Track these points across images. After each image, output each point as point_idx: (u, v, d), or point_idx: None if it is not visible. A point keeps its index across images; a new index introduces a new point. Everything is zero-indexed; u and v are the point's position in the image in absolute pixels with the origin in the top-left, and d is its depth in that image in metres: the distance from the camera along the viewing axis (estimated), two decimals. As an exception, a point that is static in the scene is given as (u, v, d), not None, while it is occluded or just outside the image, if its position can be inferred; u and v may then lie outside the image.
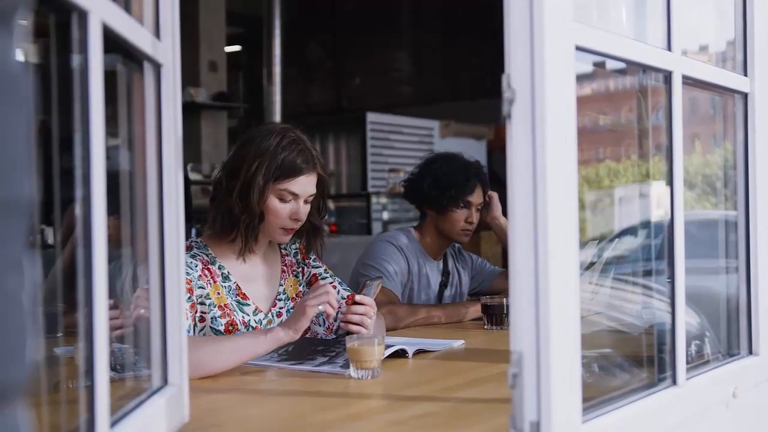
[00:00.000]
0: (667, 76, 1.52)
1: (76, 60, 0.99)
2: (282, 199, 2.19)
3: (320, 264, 2.44)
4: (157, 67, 1.32)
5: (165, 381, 1.35)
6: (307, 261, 2.42)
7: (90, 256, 0.99)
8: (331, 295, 2.00)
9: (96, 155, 0.99)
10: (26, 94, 0.52)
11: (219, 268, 2.21)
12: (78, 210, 0.99)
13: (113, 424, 1.07)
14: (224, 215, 2.19)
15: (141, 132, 1.33)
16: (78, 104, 0.98)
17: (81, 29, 0.98)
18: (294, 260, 2.40)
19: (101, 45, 1.01)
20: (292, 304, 2.33)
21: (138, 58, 1.27)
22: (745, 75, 1.81)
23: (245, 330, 2.18)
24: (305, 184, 2.20)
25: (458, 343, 2.35)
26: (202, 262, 2.18)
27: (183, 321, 1.39)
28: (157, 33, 1.33)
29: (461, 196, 2.98)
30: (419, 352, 2.18)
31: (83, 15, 0.98)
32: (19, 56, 0.53)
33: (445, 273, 3.15)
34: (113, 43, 1.09)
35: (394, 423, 1.52)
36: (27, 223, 0.54)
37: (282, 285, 2.34)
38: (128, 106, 1.32)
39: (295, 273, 2.39)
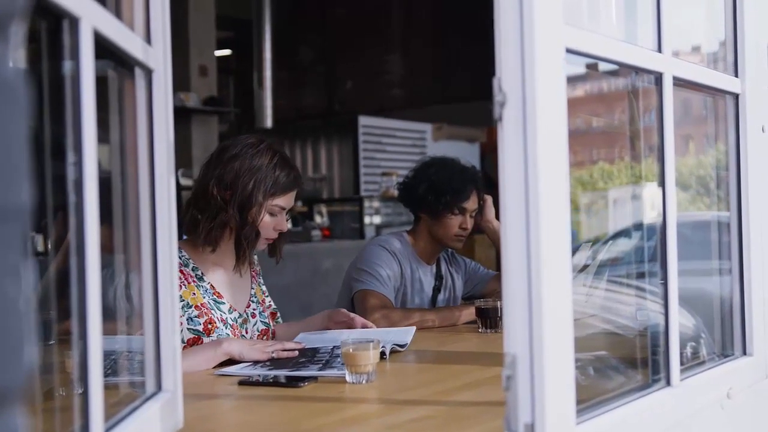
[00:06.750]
0: (658, 78, 1.52)
1: (67, 66, 0.99)
2: (272, 214, 2.30)
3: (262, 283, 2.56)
4: (148, 72, 1.32)
5: (159, 387, 1.35)
6: (260, 280, 2.54)
7: (83, 263, 0.98)
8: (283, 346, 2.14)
9: (88, 162, 0.99)
10: (23, 101, 0.52)
11: (193, 270, 2.29)
12: (71, 217, 0.99)
13: (107, 430, 1.06)
14: (218, 227, 2.26)
15: (132, 138, 1.33)
16: (69, 110, 0.98)
17: (72, 35, 0.98)
18: (257, 269, 2.53)
19: (92, 51, 1.00)
20: (261, 308, 2.45)
21: (129, 63, 1.27)
22: (736, 76, 1.81)
23: (224, 327, 2.26)
24: (292, 199, 2.35)
25: (410, 331, 2.40)
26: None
27: (177, 327, 1.39)
28: (148, 39, 1.33)
29: (457, 203, 2.97)
30: (395, 351, 2.21)
31: (74, 21, 0.98)
32: (16, 63, 0.53)
33: (439, 277, 3.14)
34: (103, 48, 1.09)
35: (391, 427, 1.52)
36: (25, 230, 0.54)
37: (253, 289, 2.46)
38: (119, 112, 1.32)
39: (258, 282, 2.51)
